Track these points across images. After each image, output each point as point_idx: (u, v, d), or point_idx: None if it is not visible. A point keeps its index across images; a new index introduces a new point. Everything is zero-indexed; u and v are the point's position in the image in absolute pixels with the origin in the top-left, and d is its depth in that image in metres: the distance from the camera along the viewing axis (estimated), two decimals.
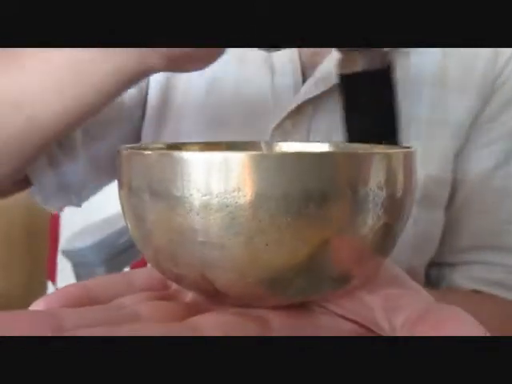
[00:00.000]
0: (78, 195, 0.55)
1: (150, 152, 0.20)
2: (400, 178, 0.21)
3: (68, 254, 0.99)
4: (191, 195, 0.19)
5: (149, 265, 0.26)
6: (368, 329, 0.23)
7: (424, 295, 0.22)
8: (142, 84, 0.55)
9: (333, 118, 0.48)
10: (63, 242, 0.96)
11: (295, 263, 0.20)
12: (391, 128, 0.38)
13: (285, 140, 0.47)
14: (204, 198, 0.19)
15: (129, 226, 0.23)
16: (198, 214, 0.19)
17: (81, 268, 0.97)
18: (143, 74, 0.40)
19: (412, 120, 0.48)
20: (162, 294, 0.24)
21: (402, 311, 0.21)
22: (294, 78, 0.49)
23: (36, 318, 0.17)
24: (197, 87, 0.52)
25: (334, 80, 0.46)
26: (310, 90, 0.48)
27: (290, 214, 0.19)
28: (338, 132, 0.44)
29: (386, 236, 0.21)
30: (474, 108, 0.48)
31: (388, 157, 0.20)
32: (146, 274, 0.26)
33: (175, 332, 0.18)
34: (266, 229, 0.19)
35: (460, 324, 0.19)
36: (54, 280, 1.29)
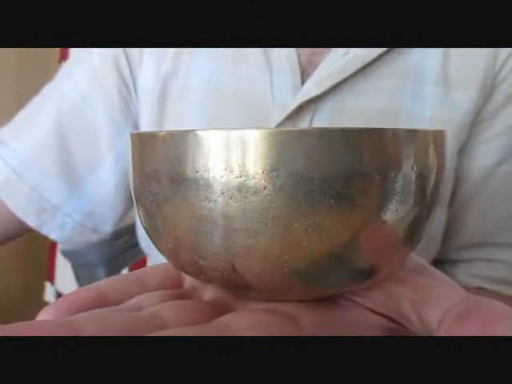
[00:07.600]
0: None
1: (172, 132, 0.18)
2: (438, 158, 0.20)
3: (67, 254, 0.97)
4: (222, 177, 0.17)
5: (161, 262, 0.24)
6: (396, 322, 0.21)
7: (455, 287, 0.21)
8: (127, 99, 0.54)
9: (334, 118, 0.47)
10: None
11: (335, 250, 0.18)
12: None
13: None
14: (238, 179, 0.17)
15: (143, 216, 0.21)
16: (231, 198, 0.17)
17: (80, 268, 0.96)
18: None
19: (414, 119, 0.47)
20: (176, 292, 0.22)
21: (436, 305, 0.20)
22: (292, 77, 0.48)
23: (52, 329, 0.15)
24: (194, 90, 0.51)
25: (335, 80, 0.46)
26: (310, 90, 0.47)
27: (332, 195, 0.17)
28: None
29: (423, 220, 0.20)
30: (475, 105, 0.48)
31: (428, 135, 0.19)
32: (159, 273, 0.24)
33: (208, 334, 0.16)
34: (306, 213, 0.17)
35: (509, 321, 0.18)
36: (52, 280, 1.27)
